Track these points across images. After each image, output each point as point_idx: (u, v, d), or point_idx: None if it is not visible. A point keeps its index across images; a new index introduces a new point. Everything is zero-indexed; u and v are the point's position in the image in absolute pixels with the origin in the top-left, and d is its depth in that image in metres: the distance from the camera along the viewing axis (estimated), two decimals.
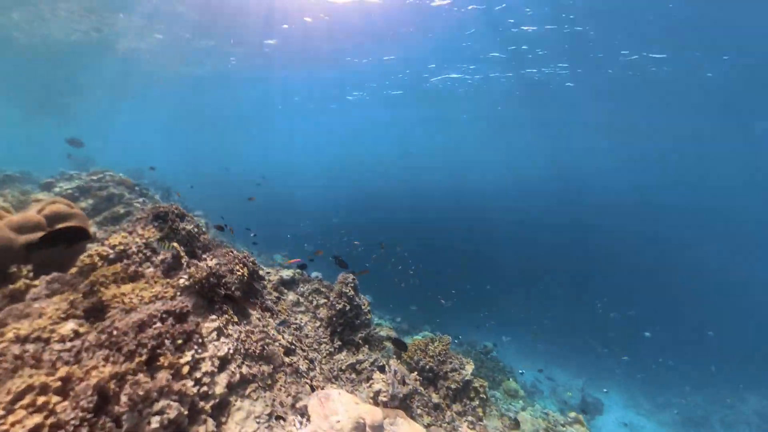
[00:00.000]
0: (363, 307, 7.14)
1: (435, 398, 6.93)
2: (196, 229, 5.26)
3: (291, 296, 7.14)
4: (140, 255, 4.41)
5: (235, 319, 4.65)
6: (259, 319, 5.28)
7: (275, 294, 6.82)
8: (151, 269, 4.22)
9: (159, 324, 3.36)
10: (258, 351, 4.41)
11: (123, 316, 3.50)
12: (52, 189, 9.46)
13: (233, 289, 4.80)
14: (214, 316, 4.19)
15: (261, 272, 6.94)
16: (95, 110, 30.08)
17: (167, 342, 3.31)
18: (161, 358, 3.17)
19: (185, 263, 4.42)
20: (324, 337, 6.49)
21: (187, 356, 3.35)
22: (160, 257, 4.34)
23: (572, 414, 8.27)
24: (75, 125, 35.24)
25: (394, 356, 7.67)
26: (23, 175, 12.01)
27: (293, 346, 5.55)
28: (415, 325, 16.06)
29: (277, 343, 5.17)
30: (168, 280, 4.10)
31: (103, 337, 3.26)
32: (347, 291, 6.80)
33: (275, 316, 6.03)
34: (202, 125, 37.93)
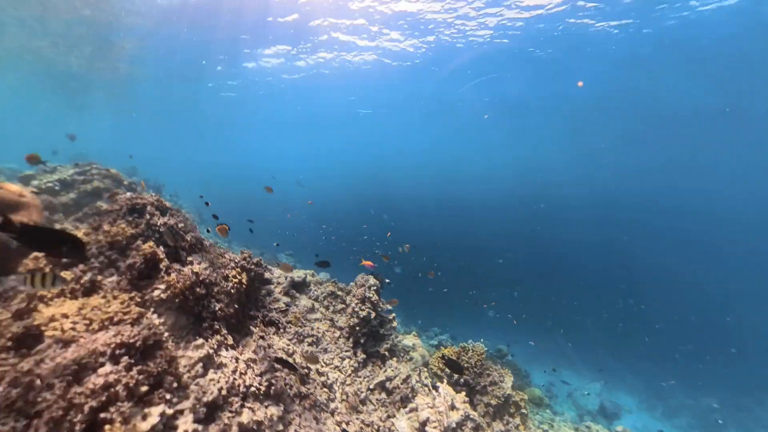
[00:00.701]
0: (389, 315, 5.76)
1: (475, 416, 5.57)
2: (181, 225, 3.82)
3: (304, 301, 5.73)
4: (102, 259, 2.98)
5: (230, 341, 3.25)
6: (262, 338, 3.87)
7: (286, 299, 5.40)
8: (114, 278, 2.81)
9: (108, 367, 1.95)
10: (263, 386, 3.00)
11: (55, 352, 2.07)
12: (31, 182, 7.90)
13: (226, 301, 3.39)
14: (200, 340, 2.78)
15: (267, 274, 5.52)
16: (95, 106, 28.04)
17: (121, 395, 1.90)
18: (107, 428, 1.75)
19: (164, 268, 3.00)
20: (346, 350, 5.10)
21: (153, 416, 1.94)
22: (129, 261, 2.92)
23: (620, 428, 6.97)
24: (77, 120, 32.99)
25: (424, 368, 6.30)
26: (5, 169, 10.41)
27: (307, 370, 4.15)
28: (424, 327, 14.70)
29: (286, 370, 3.76)
30: (135, 293, 2.67)
31: (14, 393, 1.84)
32: (371, 296, 5.41)
33: (282, 330, 4.62)
34: (204, 124, 35.93)
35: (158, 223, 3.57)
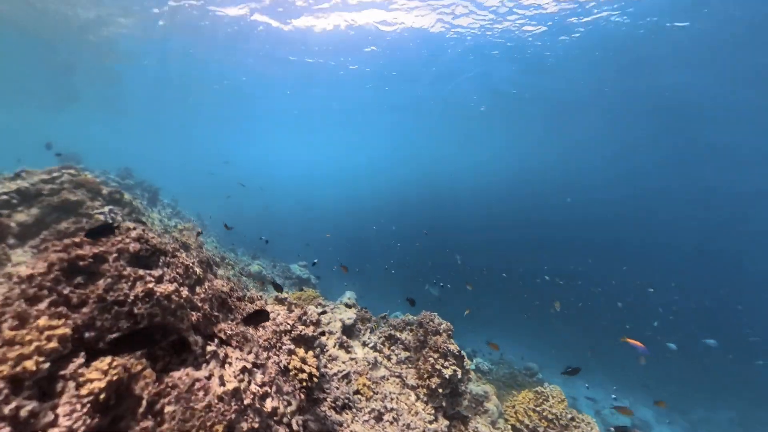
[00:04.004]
0: (465, 361, 4.47)
1: None
2: (186, 293, 2.17)
3: (359, 351, 4.31)
4: (14, 407, 1.32)
5: None
6: None
7: (343, 355, 3.97)
8: None
9: None
10: None
11: None
12: None
13: (298, 421, 1.93)
14: None
15: (321, 324, 4.04)
16: (89, 107, 24.44)
17: None
18: None
19: (147, 404, 1.49)
20: (429, 419, 3.73)
21: None
22: (83, 398, 1.34)
23: None
24: (71, 122, 28.80)
25: (502, 421, 5.05)
26: None
27: None
28: None
29: None
30: None
31: None
32: (451, 348, 4.10)
33: (356, 409, 3.20)
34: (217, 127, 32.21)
35: (134, 295, 1.80)
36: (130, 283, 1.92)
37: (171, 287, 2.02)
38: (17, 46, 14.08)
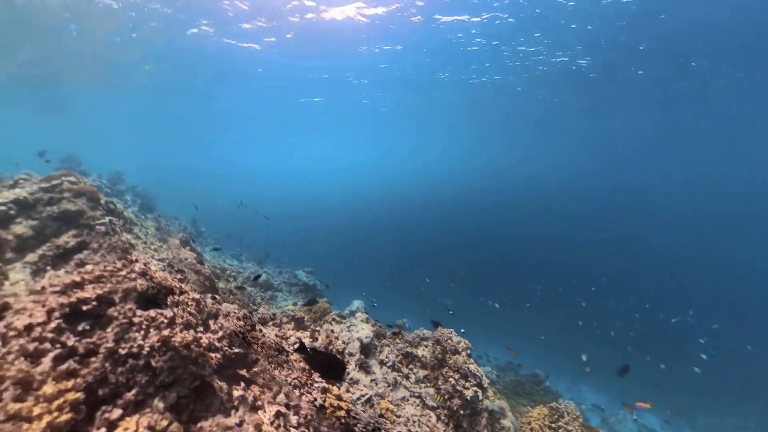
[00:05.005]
0: (483, 380, 4.37)
1: None
2: (201, 345, 1.87)
3: (377, 371, 4.18)
4: None
5: None
6: None
7: (364, 378, 3.84)
8: None
9: None
10: None
11: None
12: None
13: None
14: None
15: (346, 351, 3.91)
16: (82, 106, 23.67)
17: None
18: None
19: None
20: None
21: None
22: None
23: None
24: (67, 123, 27.92)
25: None
26: None
27: None
28: None
29: None
30: None
31: None
32: (472, 368, 4.00)
33: None
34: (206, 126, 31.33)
35: (150, 346, 1.60)
36: (143, 332, 1.76)
37: (189, 336, 1.87)
38: None
